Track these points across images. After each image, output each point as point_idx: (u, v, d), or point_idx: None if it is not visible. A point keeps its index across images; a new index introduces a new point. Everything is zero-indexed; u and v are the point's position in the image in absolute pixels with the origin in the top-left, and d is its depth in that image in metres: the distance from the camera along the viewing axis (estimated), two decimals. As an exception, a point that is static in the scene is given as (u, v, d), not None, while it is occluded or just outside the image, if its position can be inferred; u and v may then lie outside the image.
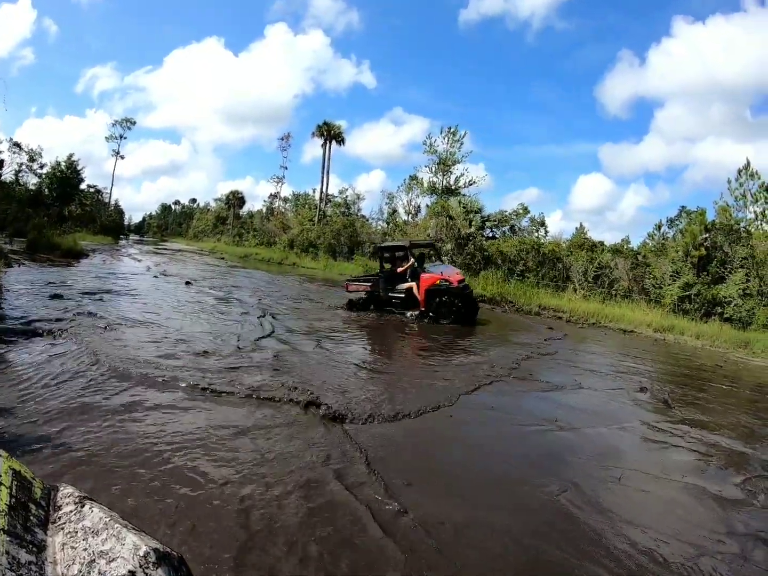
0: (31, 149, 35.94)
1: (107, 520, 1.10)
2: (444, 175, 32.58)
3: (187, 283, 15.36)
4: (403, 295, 12.16)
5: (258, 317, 9.90)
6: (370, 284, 12.87)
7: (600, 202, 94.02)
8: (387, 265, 13.25)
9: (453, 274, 12.15)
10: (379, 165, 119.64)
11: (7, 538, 0.94)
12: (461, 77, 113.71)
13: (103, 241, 36.55)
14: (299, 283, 19.75)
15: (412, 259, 12.34)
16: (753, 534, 3.30)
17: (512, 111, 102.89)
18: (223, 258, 33.65)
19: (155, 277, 16.93)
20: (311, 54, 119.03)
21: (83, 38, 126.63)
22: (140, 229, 78.31)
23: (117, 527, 1.07)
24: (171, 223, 70.62)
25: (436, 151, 32.57)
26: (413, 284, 12.04)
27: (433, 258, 14.84)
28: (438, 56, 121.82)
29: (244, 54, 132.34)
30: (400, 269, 12.50)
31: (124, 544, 1.02)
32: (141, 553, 1.01)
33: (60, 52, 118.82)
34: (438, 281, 11.72)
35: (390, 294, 12.47)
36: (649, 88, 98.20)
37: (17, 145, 35.16)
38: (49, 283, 11.83)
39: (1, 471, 1.10)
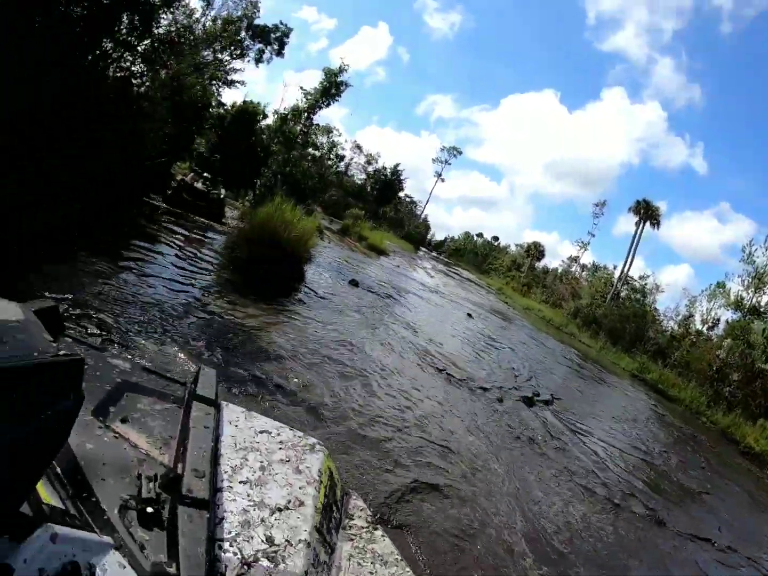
0: (370, 153, 41.67)
1: (398, 557, 1.13)
2: (756, 292, 26.47)
3: (469, 315, 15.36)
4: None
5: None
6: None
7: None
8: None
9: None
10: (689, 259, 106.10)
11: (317, 536, 1.03)
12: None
13: (405, 247, 39.81)
14: (573, 363, 17.30)
15: None
16: None
17: None
18: (506, 303, 33.31)
19: (441, 296, 17.28)
20: (645, 125, 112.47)
21: (430, 68, 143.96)
22: (439, 247, 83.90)
23: (408, 571, 1.10)
24: (469, 251, 73.76)
25: (754, 261, 26.64)
26: None
27: None
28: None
29: (578, 112, 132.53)
30: None
31: None
32: None
33: (408, 76, 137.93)
34: None
35: None
36: None
37: (359, 147, 41.10)
38: (352, 267, 13.17)
39: (321, 469, 1.20)
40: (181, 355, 4.38)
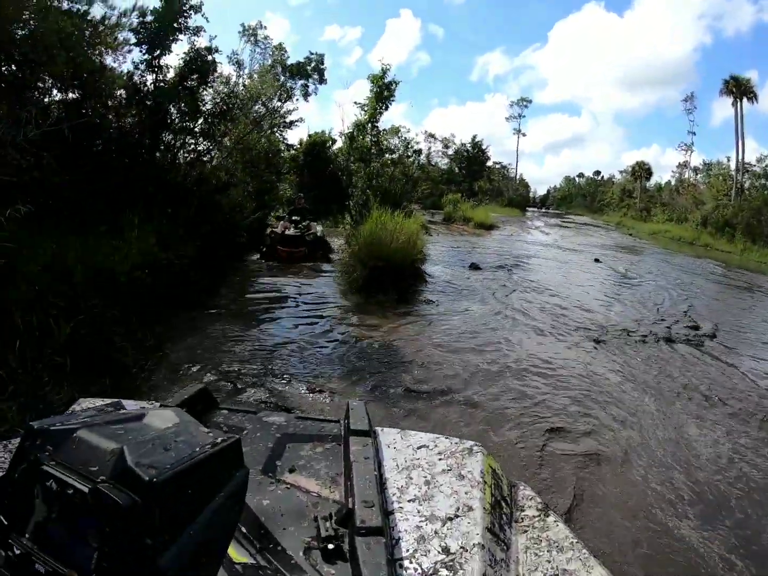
0: (445, 137, 40.92)
1: (573, 540, 1.09)
2: None
3: (596, 260, 14.61)
4: None
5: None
6: None
7: None
8: None
9: None
10: None
11: (489, 536, 1.02)
12: None
13: (511, 214, 38.74)
14: (719, 276, 15.35)
15: None
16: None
17: None
18: (630, 234, 30.92)
19: (562, 250, 16.38)
20: None
21: (466, 32, 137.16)
22: (545, 201, 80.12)
23: (585, 552, 1.06)
24: (575, 196, 69.78)
25: None
26: None
27: None
28: None
29: (628, 13, 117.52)
30: None
31: (590, 573, 1.02)
32: None
33: (450, 49, 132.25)
34: None
35: None
36: None
37: (432, 135, 40.50)
38: (467, 251, 12.71)
39: (483, 470, 1.21)
40: (326, 395, 4.41)
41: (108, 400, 0.93)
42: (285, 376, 4.74)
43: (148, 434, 0.64)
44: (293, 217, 11.65)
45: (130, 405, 0.85)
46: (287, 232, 11.06)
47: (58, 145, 5.48)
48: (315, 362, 5.15)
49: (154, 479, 0.55)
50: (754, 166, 36.17)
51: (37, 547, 0.56)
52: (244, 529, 0.97)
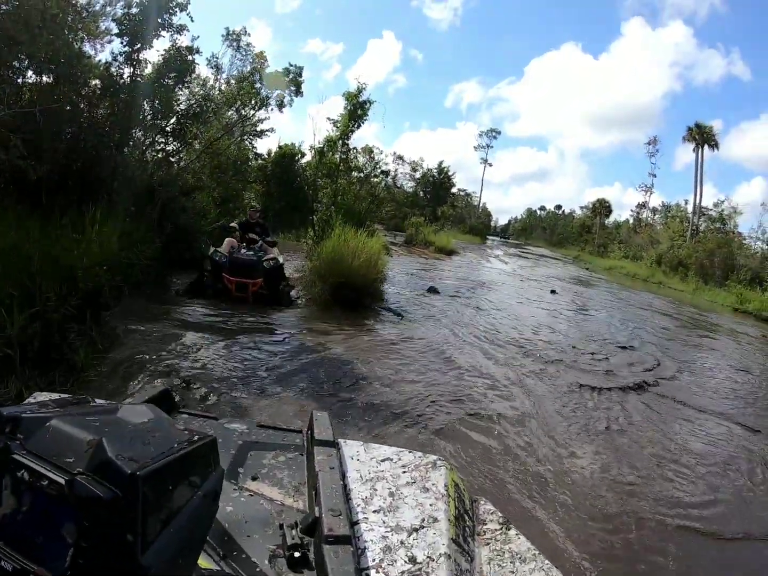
0: (413, 160, 41.67)
1: (536, 552, 1.12)
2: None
3: (553, 291, 15.05)
4: None
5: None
6: None
7: None
8: None
9: None
10: (761, 171, 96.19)
11: (455, 547, 1.04)
12: None
13: (472, 240, 39.90)
14: (670, 313, 16.00)
15: None
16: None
17: None
18: (587, 268, 32.02)
19: (520, 279, 16.80)
20: (674, 48, 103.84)
21: (445, 59, 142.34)
22: (505, 231, 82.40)
23: (547, 563, 1.09)
24: (535, 228, 72.12)
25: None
26: None
27: None
28: None
29: (604, 56, 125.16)
30: None
31: None
32: None
33: (427, 74, 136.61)
34: None
35: None
36: None
37: (401, 157, 41.25)
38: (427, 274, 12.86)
39: (447, 483, 1.21)
40: (288, 405, 4.42)
41: (66, 396, 0.85)
42: (245, 385, 4.66)
43: (125, 427, 0.62)
44: (248, 234, 8.50)
45: (97, 401, 0.80)
46: (238, 254, 7.87)
47: (28, 128, 5.29)
48: (266, 369, 5.11)
49: (137, 472, 0.53)
50: (711, 210, 38.03)
51: (3, 542, 0.54)
52: (208, 537, 0.90)
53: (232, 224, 8.96)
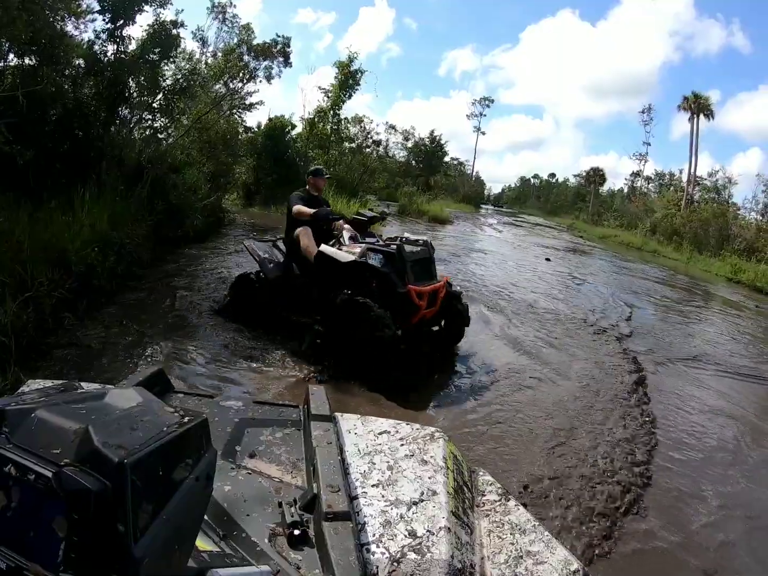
0: (405, 130, 41.10)
1: (535, 524, 1.13)
2: None
3: (547, 259, 15.15)
4: None
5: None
6: None
7: None
8: None
9: None
10: (758, 143, 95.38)
11: (455, 520, 1.05)
12: None
13: (465, 209, 39.74)
14: (666, 282, 16.12)
15: None
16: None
17: None
18: (581, 237, 31.97)
19: (514, 247, 17.02)
20: (673, 17, 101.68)
21: (440, 27, 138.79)
22: (498, 200, 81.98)
23: (546, 535, 1.10)
24: (529, 196, 71.67)
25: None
26: None
27: None
28: None
29: (601, 23, 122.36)
30: None
31: (553, 554, 1.06)
32: (572, 569, 1.03)
33: (421, 42, 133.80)
34: None
35: None
36: None
37: (393, 127, 40.73)
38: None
39: (445, 455, 1.23)
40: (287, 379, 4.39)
41: (59, 382, 0.85)
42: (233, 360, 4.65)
43: (112, 414, 0.61)
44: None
45: (85, 386, 0.79)
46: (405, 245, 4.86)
47: (12, 112, 5.27)
48: (260, 346, 5.01)
49: (125, 460, 0.52)
50: (705, 179, 37.87)
51: None
52: (206, 517, 0.94)
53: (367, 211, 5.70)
